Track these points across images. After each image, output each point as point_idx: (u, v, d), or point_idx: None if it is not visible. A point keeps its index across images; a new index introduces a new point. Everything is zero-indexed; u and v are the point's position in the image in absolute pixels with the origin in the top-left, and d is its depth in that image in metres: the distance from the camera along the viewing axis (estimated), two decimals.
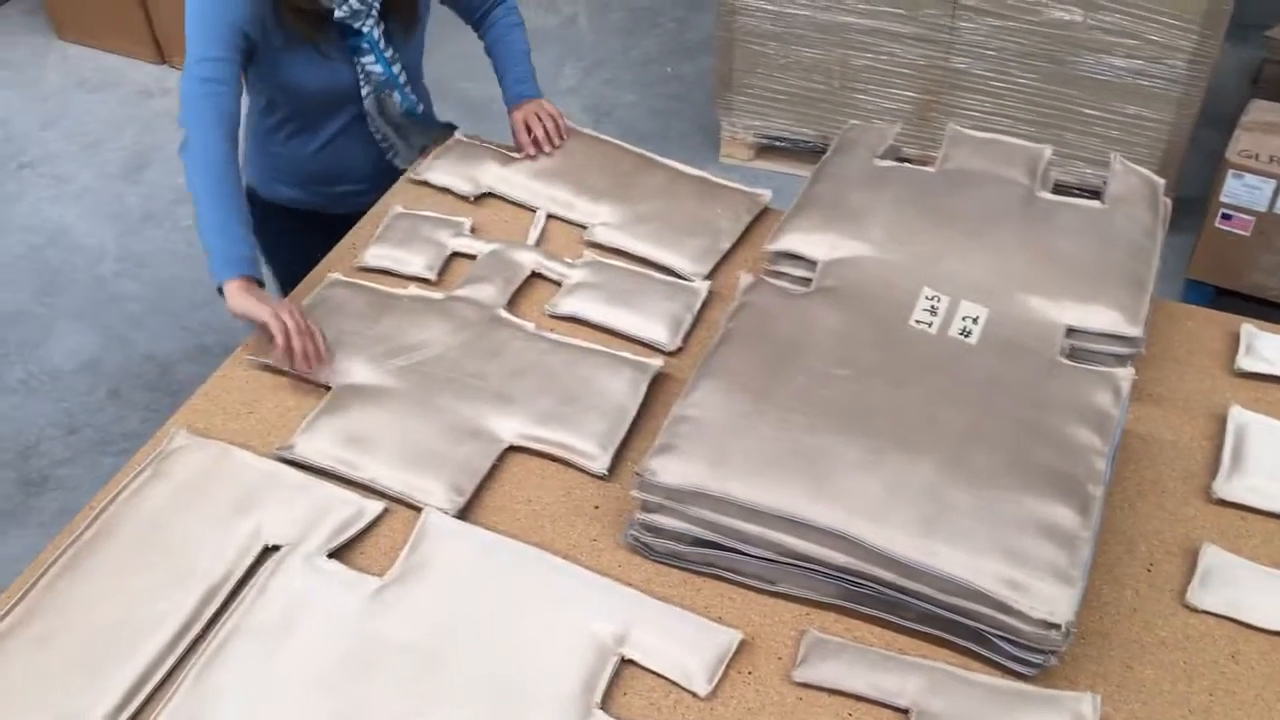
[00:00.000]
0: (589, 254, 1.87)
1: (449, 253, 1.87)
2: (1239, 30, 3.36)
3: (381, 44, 1.89)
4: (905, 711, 1.27)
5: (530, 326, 1.72)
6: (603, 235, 1.90)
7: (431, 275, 1.83)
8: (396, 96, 1.96)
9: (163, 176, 3.58)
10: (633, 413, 1.60)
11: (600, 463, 1.54)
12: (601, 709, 1.27)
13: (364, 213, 1.98)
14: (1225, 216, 2.75)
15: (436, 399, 1.60)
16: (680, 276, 1.84)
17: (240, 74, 1.76)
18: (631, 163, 2.05)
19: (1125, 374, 1.52)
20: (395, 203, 1.97)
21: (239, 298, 1.63)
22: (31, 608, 1.36)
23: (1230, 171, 2.68)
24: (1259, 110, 2.82)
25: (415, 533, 1.44)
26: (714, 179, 2.04)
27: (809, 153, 3.34)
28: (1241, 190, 2.70)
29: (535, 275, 1.84)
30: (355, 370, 1.65)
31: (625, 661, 1.32)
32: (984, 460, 1.38)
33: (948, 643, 1.34)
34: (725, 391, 1.47)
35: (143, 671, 1.30)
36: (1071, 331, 1.58)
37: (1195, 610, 1.38)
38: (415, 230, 1.90)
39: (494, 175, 2.02)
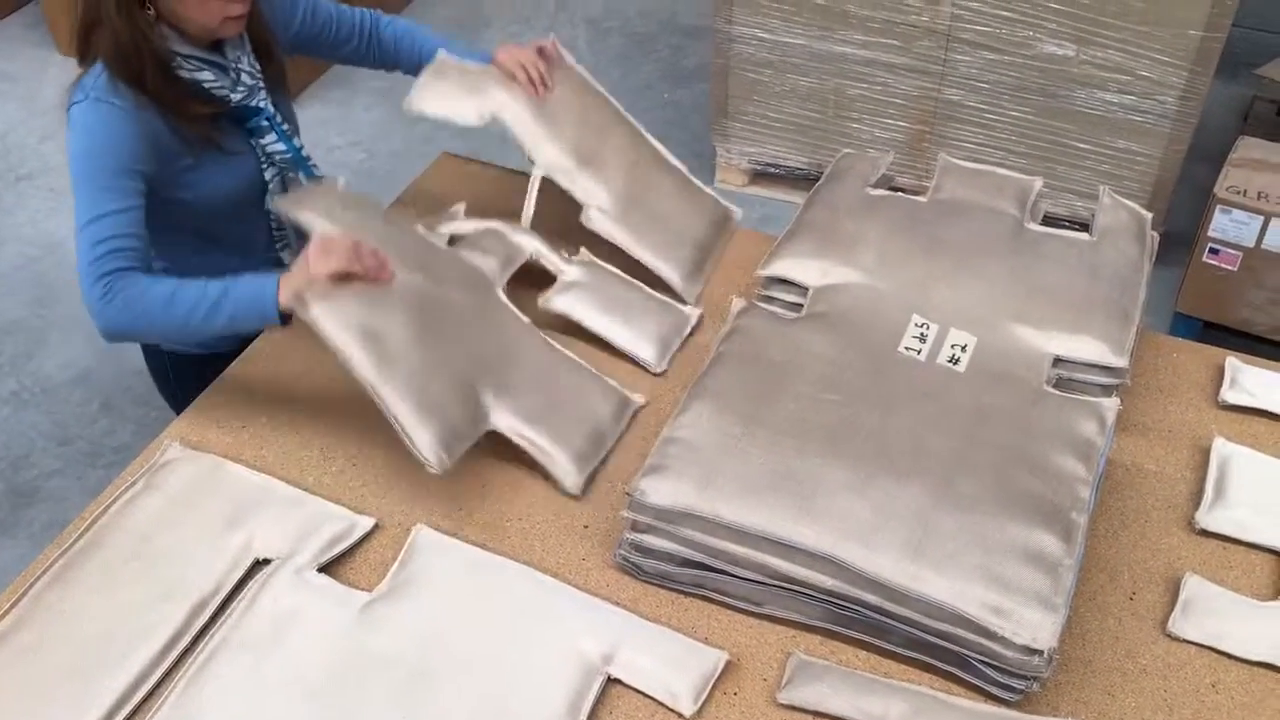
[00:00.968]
0: (585, 253, 1.87)
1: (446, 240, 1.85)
2: (1229, 67, 3.41)
3: (278, 117, 1.74)
4: None
5: (525, 319, 1.73)
6: (598, 222, 1.87)
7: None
8: (302, 176, 1.79)
9: None
10: (610, 443, 1.62)
11: (572, 481, 1.55)
12: None
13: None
14: (1213, 251, 2.76)
15: (448, 344, 1.57)
16: (672, 291, 1.86)
17: (144, 219, 1.55)
18: (623, 135, 2.00)
19: (1111, 404, 1.53)
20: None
21: (295, 284, 1.49)
22: (21, 618, 1.37)
23: (1218, 207, 2.70)
24: (1247, 147, 2.84)
25: (405, 549, 1.46)
26: (692, 179, 2.05)
27: (803, 180, 3.37)
28: (1229, 225, 2.72)
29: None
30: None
31: (611, 680, 1.33)
32: (970, 486, 1.39)
33: (931, 667, 1.35)
34: (716, 414, 1.48)
35: (131, 682, 1.30)
36: (1058, 361, 1.60)
37: (1176, 639, 1.39)
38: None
39: (496, 103, 1.88)
